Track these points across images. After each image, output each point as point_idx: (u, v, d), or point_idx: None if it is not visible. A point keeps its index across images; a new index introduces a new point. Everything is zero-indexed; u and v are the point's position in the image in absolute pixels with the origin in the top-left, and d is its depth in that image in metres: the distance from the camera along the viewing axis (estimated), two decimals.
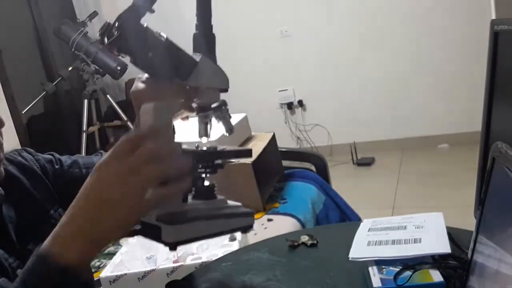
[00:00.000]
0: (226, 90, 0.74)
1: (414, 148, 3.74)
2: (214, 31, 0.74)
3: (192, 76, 0.69)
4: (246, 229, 0.73)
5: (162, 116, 0.66)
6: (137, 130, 0.65)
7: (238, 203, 0.73)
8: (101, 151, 1.07)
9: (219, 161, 0.71)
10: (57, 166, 0.96)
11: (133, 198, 0.54)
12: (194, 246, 1.41)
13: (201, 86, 0.72)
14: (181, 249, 1.38)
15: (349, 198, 2.09)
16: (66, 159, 0.98)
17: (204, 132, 0.75)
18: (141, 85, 0.75)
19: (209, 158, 0.70)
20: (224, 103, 0.76)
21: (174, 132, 0.71)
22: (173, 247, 0.63)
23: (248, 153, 0.78)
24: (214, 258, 1.15)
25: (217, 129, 0.76)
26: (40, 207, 0.89)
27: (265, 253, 0.99)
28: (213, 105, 0.75)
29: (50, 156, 0.97)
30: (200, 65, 0.70)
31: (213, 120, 0.77)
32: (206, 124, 0.75)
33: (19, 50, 3.73)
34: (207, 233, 0.67)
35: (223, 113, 0.77)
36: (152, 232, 0.63)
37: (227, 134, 0.79)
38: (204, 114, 0.75)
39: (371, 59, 3.78)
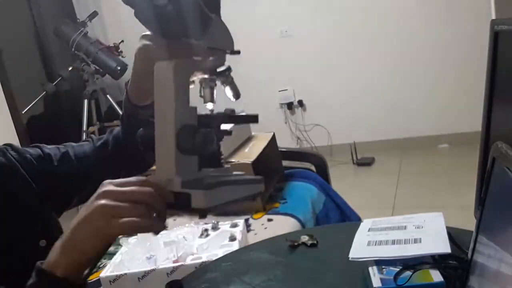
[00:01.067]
0: (238, 52, 0.69)
1: (414, 148, 3.74)
2: None
3: (206, 36, 0.65)
4: (257, 195, 0.70)
5: (181, 74, 0.62)
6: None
7: (241, 172, 0.70)
8: (92, 135, 1.03)
9: (226, 128, 0.68)
10: (46, 164, 0.90)
11: (101, 225, 0.59)
12: (194, 246, 1.41)
13: (213, 46, 0.67)
14: (181, 249, 1.38)
15: (349, 198, 2.09)
16: (55, 152, 0.92)
17: (210, 97, 0.71)
18: (151, 43, 0.70)
19: (219, 123, 0.67)
20: (229, 68, 0.73)
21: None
22: (203, 214, 0.60)
23: (255, 118, 0.73)
24: (214, 258, 1.15)
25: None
26: (23, 211, 0.85)
27: (265, 253, 0.99)
28: (219, 69, 0.72)
29: (39, 151, 0.91)
30: (214, 24, 0.66)
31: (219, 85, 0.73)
32: (212, 89, 0.71)
33: (19, 50, 3.73)
34: (231, 199, 0.64)
35: (229, 78, 0.73)
36: (176, 202, 0.60)
37: (234, 100, 0.75)
38: (211, 78, 0.71)
39: (371, 59, 3.78)
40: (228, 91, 0.75)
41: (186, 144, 0.61)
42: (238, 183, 0.67)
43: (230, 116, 0.68)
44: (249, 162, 1.80)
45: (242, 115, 0.73)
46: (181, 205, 0.60)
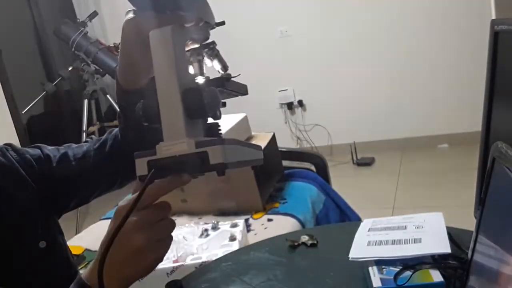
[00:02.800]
0: (223, 23, 0.70)
1: (414, 148, 3.74)
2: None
3: (191, 8, 0.65)
4: (260, 162, 0.70)
5: (178, 38, 0.62)
6: (159, 183, 0.61)
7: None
8: (92, 136, 1.02)
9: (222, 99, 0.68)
10: (45, 165, 0.89)
11: (160, 246, 0.62)
12: (194, 246, 1.41)
13: (201, 18, 0.67)
14: (181, 249, 1.38)
15: (349, 198, 2.09)
16: (54, 153, 0.91)
17: (199, 70, 0.72)
18: (139, 15, 0.69)
19: (218, 85, 0.66)
20: (214, 42, 0.73)
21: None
22: (222, 170, 0.58)
23: (246, 90, 0.74)
24: (214, 258, 1.15)
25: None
26: (22, 212, 0.84)
27: (265, 253, 0.99)
28: (204, 43, 0.72)
29: (38, 152, 0.90)
30: None
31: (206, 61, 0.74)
32: (200, 62, 0.72)
33: (19, 50, 3.73)
34: (243, 159, 0.64)
35: (215, 51, 0.74)
36: (193, 163, 0.58)
37: (222, 72, 0.76)
38: (198, 51, 0.71)
39: (371, 59, 3.78)
40: (216, 64, 0.75)
41: (195, 104, 0.60)
42: (245, 145, 0.67)
43: (226, 79, 0.67)
44: None
45: (236, 82, 0.71)
46: (198, 166, 0.58)
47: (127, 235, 0.59)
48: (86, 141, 0.96)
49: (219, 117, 0.64)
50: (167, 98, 0.61)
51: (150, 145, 0.60)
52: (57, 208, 0.92)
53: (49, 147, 0.93)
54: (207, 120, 0.65)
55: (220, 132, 0.66)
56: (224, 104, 0.68)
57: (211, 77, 0.69)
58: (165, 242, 0.62)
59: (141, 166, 0.60)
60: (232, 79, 0.69)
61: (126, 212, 0.57)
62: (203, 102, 0.59)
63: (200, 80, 0.70)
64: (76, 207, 0.95)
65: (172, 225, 0.63)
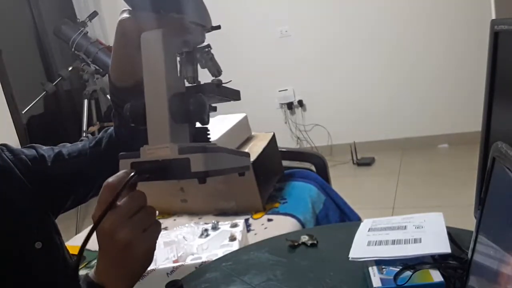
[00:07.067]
0: (219, 27, 0.70)
1: (414, 148, 3.75)
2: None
3: (186, 10, 0.65)
4: (247, 169, 0.71)
5: (169, 42, 0.62)
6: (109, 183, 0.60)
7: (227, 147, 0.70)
8: (88, 134, 1.01)
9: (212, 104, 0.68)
10: (40, 165, 0.88)
11: (147, 235, 0.61)
12: (194, 246, 1.41)
13: (196, 22, 0.67)
14: (181, 249, 1.38)
15: (349, 198, 2.09)
16: (49, 153, 0.90)
17: (192, 73, 0.71)
18: (135, 15, 0.69)
19: (208, 92, 0.66)
20: (209, 46, 0.73)
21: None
22: (203, 178, 0.58)
23: (238, 94, 0.75)
24: (214, 258, 1.15)
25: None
26: (18, 213, 0.83)
27: (265, 253, 0.99)
28: (198, 46, 0.72)
29: (33, 152, 0.89)
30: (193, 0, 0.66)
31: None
32: (193, 65, 0.71)
33: (19, 50, 3.74)
34: (226, 166, 0.64)
35: (209, 55, 0.73)
36: (174, 169, 0.58)
37: (215, 77, 0.75)
38: (192, 54, 0.71)
39: (371, 59, 3.78)
40: (210, 68, 0.75)
41: (181, 110, 0.60)
42: (231, 152, 0.67)
43: (217, 85, 0.67)
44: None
45: (228, 87, 0.71)
46: (179, 171, 0.59)
47: (110, 235, 0.59)
48: (81, 140, 0.96)
49: (207, 122, 0.64)
50: (154, 101, 0.61)
51: (143, 144, 0.61)
52: (54, 208, 0.92)
53: (44, 147, 0.92)
54: (195, 125, 0.65)
55: (208, 137, 0.66)
56: (214, 109, 0.68)
57: (204, 81, 0.69)
58: (152, 230, 0.61)
59: (124, 167, 0.61)
60: (223, 84, 0.69)
61: (102, 212, 0.58)
62: (188, 108, 0.60)
63: (190, 85, 0.70)
64: (74, 206, 0.95)
65: (153, 212, 0.62)
